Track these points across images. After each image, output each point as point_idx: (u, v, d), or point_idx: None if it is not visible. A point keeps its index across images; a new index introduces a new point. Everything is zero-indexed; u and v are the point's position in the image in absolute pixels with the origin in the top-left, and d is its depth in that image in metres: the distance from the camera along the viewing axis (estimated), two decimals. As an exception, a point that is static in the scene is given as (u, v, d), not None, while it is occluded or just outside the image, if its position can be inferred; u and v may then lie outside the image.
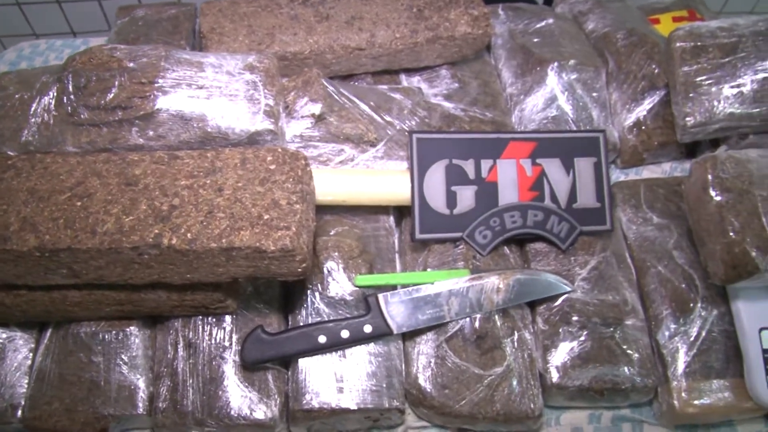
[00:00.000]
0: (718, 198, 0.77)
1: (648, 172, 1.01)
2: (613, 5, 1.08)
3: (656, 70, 0.98)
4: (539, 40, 1.02)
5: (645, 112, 0.98)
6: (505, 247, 0.87)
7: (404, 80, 1.00)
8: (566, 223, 0.86)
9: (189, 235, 0.70)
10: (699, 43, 0.92)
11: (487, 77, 1.01)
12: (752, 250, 0.74)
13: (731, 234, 0.76)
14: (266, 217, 0.72)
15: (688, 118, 0.90)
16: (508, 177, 0.86)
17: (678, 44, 0.93)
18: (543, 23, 1.05)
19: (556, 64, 0.98)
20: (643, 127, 0.98)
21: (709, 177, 0.78)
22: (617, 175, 1.01)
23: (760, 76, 0.89)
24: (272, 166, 0.76)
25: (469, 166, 0.85)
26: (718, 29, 0.92)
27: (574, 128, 0.96)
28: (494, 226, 0.85)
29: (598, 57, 1.03)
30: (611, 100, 1.01)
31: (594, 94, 0.98)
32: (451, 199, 0.85)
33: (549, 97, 0.97)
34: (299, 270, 0.73)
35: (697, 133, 0.91)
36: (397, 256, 0.89)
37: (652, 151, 0.98)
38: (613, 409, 0.86)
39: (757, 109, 0.89)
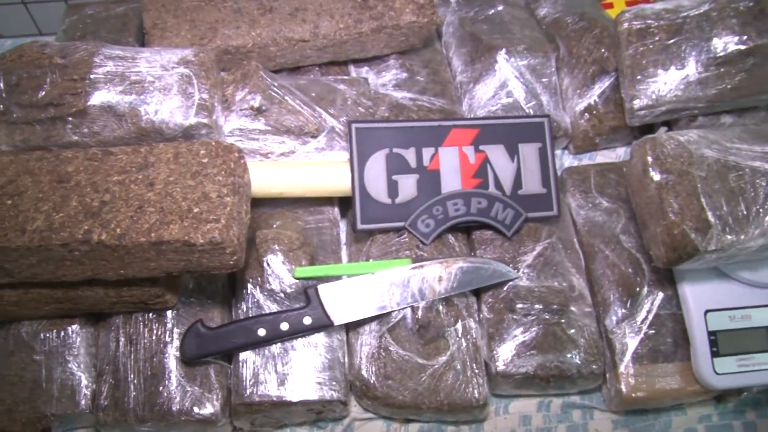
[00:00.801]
0: (658, 179, 0.76)
1: (602, 158, 1.00)
2: (564, -10, 1.07)
3: (606, 54, 0.97)
4: (489, 27, 1.01)
5: (596, 97, 0.98)
6: (450, 236, 0.87)
7: (353, 71, 1.00)
8: (511, 210, 0.85)
9: (118, 230, 0.70)
10: (645, 25, 0.91)
11: (436, 66, 1.00)
12: (691, 232, 0.74)
13: (671, 216, 0.75)
14: (196, 210, 0.71)
15: (635, 101, 0.89)
16: (451, 165, 0.85)
17: (624, 27, 0.92)
18: (493, 10, 1.04)
19: (504, 50, 0.97)
20: (594, 112, 0.97)
21: (649, 158, 0.77)
22: (571, 161, 1.00)
23: (704, 57, 0.87)
24: (205, 160, 0.75)
25: (410, 155, 0.85)
26: (664, 11, 0.91)
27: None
28: (437, 214, 0.84)
29: (550, 43, 1.02)
30: (563, 86, 1.00)
31: (544, 80, 0.97)
32: (393, 189, 0.84)
33: (498, 84, 0.96)
34: (231, 263, 0.72)
35: (645, 116, 0.90)
36: (344, 247, 0.89)
37: (604, 136, 0.97)
38: (562, 396, 0.85)
39: (702, 92, 0.88)
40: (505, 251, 0.86)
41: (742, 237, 0.74)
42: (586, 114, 0.98)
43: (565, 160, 0.99)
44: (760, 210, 0.74)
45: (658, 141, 0.78)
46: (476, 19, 1.03)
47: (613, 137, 0.98)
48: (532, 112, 0.96)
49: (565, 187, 0.93)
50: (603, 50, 0.98)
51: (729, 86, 0.87)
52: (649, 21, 0.91)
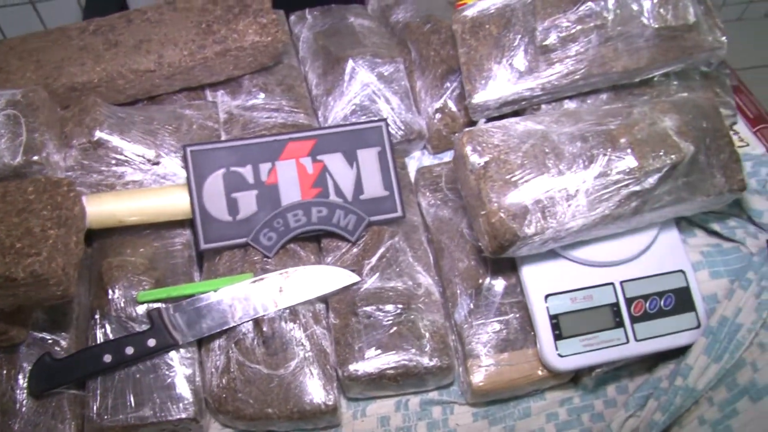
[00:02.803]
0: (476, 170, 0.78)
1: (458, 155, 1.01)
2: (416, -5, 1.10)
3: (452, 53, 0.99)
4: (339, 39, 1.03)
5: (447, 96, 0.99)
6: (299, 247, 0.88)
7: (209, 95, 1.02)
8: (353, 216, 0.87)
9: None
10: (477, 21, 0.93)
11: (291, 82, 1.02)
12: (509, 219, 0.75)
13: (488, 204, 0.76)
14: (18, 245, 0.73)
15: (473, 97, 0.91)
16: (289, 177, 0.87)
17: (457, 25, 0.93)
18: (344, 22, 1.06)
19: (351, 60, 0.98)
20: (447, 111, 0.99)
21: (467, 150, 0.79)
22: (431, 162, 1.01)
23: (532, 47, 0.89)
24: (32, 196, 0.77)
25: (247, 172, 0.86)
26: (493, 5, 0.93)
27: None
28: (278, 227, 0.86)
29: (403, 48, 1.04)
30: (416, 88, 1.02)
31: (394, 85, 0.99)
32: (233, 206, 0.86)
33: (349, 93, 0.98)
34: (58, 293, 0.74)
35: (485, 110, 0.92)
36: (198, 268, 0.90)
37: (458, 133, 0.98)
38: (419, 393, 0.86)
39: (535, 81, 0.89)
40: (352, 256, 0.87)
41: (561, 221, 0.75)
42: (439, 114, 0.99)
43: (425, 161, 1.01)
44: (574, 195, 0.75)
45: (476, 132, 0.80)
46: (328, 32, 1.05)
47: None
48: (385, 116, 0.97)
49: (417, 187, 0.94)
50: (449, 49, 0.99)
51: (559, 72, 0.88)
52: (482, 16, 0.93)
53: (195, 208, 0.85)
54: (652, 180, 0.75)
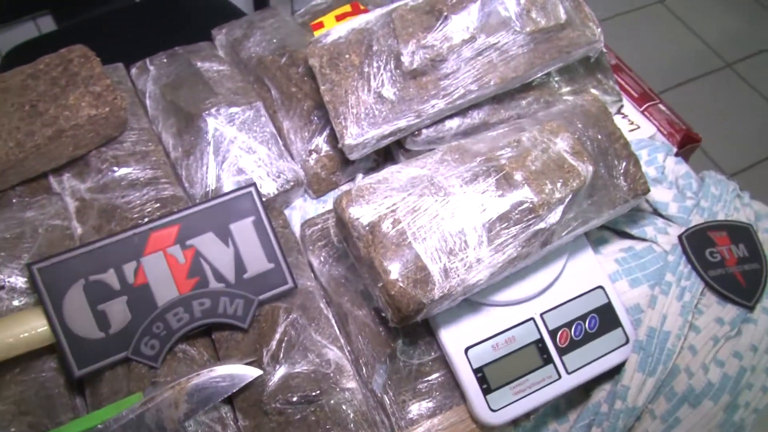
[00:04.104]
0: (362, 236, 0.69)
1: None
2: (267, 23, 0.98)
3: (315, 86, 0.89)
4: (188, 91, 0.92)
5: (318, 135, 0.90)
6: (189, 347, 0.78)
7: (53, 184, 0.89)
8: (240, 299, 0.77)
9: None
10: (335, 52, 0.83)
11: (145, 148, 0.90)
12: (410, 287, 0.67)
13: (384, 275, 0.68)
14: None
15: (345, 139, 0.82)
16: (159, 273, 0.76)
17: (315, 59, 0.84)
18: (191, 69, 0.94)
19: (204, 115, 0.87)
20: (321, 152, 0.90)
21: (349, 215, 0.70)
22: (316, 208, 0.92)
23: (398, 72, 0.80)
24: None
25: (110, 278, 0.75)
26: (352, 30, 0.84)
27: (247, 176, 0.87)
28: (159, 332, 0.75)
29: (261, 86, 0.94)
30: (284, 130, 0.92)
31: (257, 133, 0.89)
32: (102, 320, 0.75)
33: (210, 153, 0.87)
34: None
35: (362, 149, 0.83)
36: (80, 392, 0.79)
37: (338, 172, 0.90)
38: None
39: (408, 107, 0.81)
40: (248, 344, 0.78)
41: (466, 277, 0.68)
42: (314, 154, 0.90)
43: (309, 208, 0.91)
44: (475, 244, 0.68)
45: (354, 193, 0.71)
46: (175, 84, 0.94)
47: (352, 169, 0.91)
48: (255, 169, 0.87)
49: (305, 245, 0.85)
50: (312, 82, 0.90)
51: (434, 96, 0.80)
52: (339, 45, 0.83)
53: (57, 332, 0.73)
54: (555, 214, 0.68)
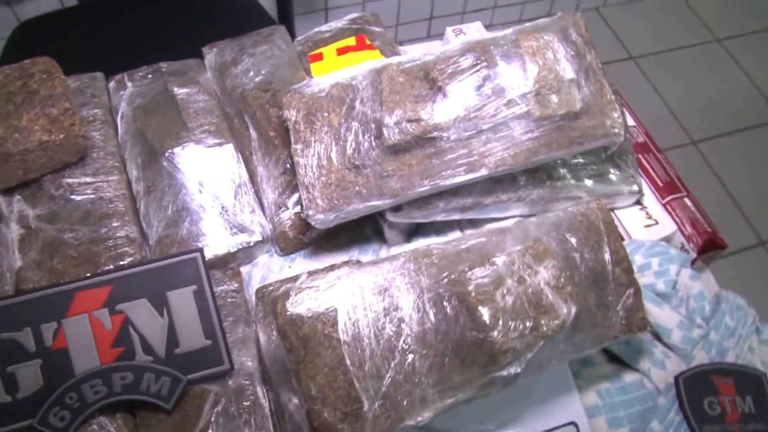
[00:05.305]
0: (294, 350, 0.60)
1: (312, 260, 0.83)
2: (258, 50, 0.88)
3: (294, 136, 0.79)
4: (160, 120, 0.83)
5: (291, 190, 0.80)
6: (107, 420, 0.70)
7: (2, 204, 0.81)
8: (167, 377, 0.69)
9: None
10: (314, 106, 0.74)
11: (106, 178, 0.82)
12: (336, 420, 0.58)
13: (309, 401, 0.59)
14: None
15: (310, 211, 0.72)
16: (81, 338, 0.69)
17: (291, 111, 0.74)
18: (167, 95, 0.85)
19: (168, 154, 0.79)
20: (294, 208, 0.80)
21: (281, 320, 0.61)
22: (281, 266, 0.83)
23: (377, 144, 0.70)
24: None
25: (25, 337, 0.68)
26: (335, 85, 0.73)
27: (205, 228, 0.78)
28: (71, 403, 0.68)
29: (242, 122, 0.84)
30: (258, 175, 0.82)
31: (224, 179, 0.80)
32: (11, 383, 0.68)
33: (169, 196, 0.79)
34: None
35: (327, 223, 0.73)
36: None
37: (309, 232, 0.80)
38: None
39: (387, 183, 0.71)
40: (169, 427, 0.70)
41: (405, 416, 0.58)
42: (284, 210, 0.80)
43: (274, 265, 0.82)
44: (422, 379, 0.58)
45: (292, 297, 0.62)
46: (149, 108, 0.85)
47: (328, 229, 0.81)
48: (216, 220, 0.78)
49: (257, 316, 0.76)
50: (292, 130, 0.79)
51: (413, 177, 0.70)
52: (319, 100, 0.73)
53: (-41, 391, 0.66)
54: (519, 363, 0.58)
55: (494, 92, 0.69)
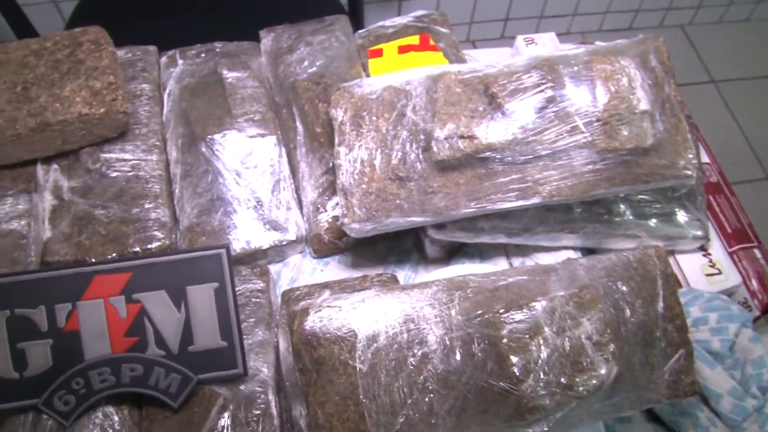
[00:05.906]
0: (306, 371, 0.56)
1: (342, 266, 0.79)
2: (316, 39, 0.84)
3: (342, 135, 0.75)
4: (206, 103, 0.80)
5: (331, 192, 0.76)
6: (112, 409, 0.68)
7: (39, 173, 0.79)
8: (177, 375, 0.66)
9: None
10: (362, 108, 0.70)
11: (145, 157, 0.80)
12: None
13: (313, 429, 0.55)
14: None
15: (346, 219, 0.68)
16: (94, 323, 0.66)
17: (336, 111, 0.70)
18: (216, 77, 0.82)
19: (207, 140, 0.76)
20: (332, 210, 0.76)
21: (296, 338, 0.57)
22: (313, 268, 0.79)
23: (425, 156, 0.65)
24: None
25: (39, 315, 0.66)
26: (388, 88, 0.69)
27: (238, 222, 0.75)
28: (78, 388, 0.66)
29: (290, 112, 0.81)
30: (300, 172, 0.79)
31: (263, 172, 0.76)
32: (20, 360, 0.66)
33: (204, 184, 0.76)
34: None
35: (363, 233, 0.69)
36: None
37: (345, 238, 0.76)
38: None
39: (427, 204, 0.66)
40: (173, 426, 0.67)
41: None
42: (322, 211, 0.77)
43: (305, 267, 0.79)
44: (439, 422, 0.54)
45: (311, 315, 0.58)
46: (196, 90, 0.82)
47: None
48: (251, 214, 0.75)
49: (279, 321, 0.73)
50: (339, 129, 0.75)
51: (460, 197, 0.65)
52: (368, 101, 0.69)
53: (-34, 362, 0.65)
54: (546, 423, 0.52)
55: (557, 116, 0.63)
